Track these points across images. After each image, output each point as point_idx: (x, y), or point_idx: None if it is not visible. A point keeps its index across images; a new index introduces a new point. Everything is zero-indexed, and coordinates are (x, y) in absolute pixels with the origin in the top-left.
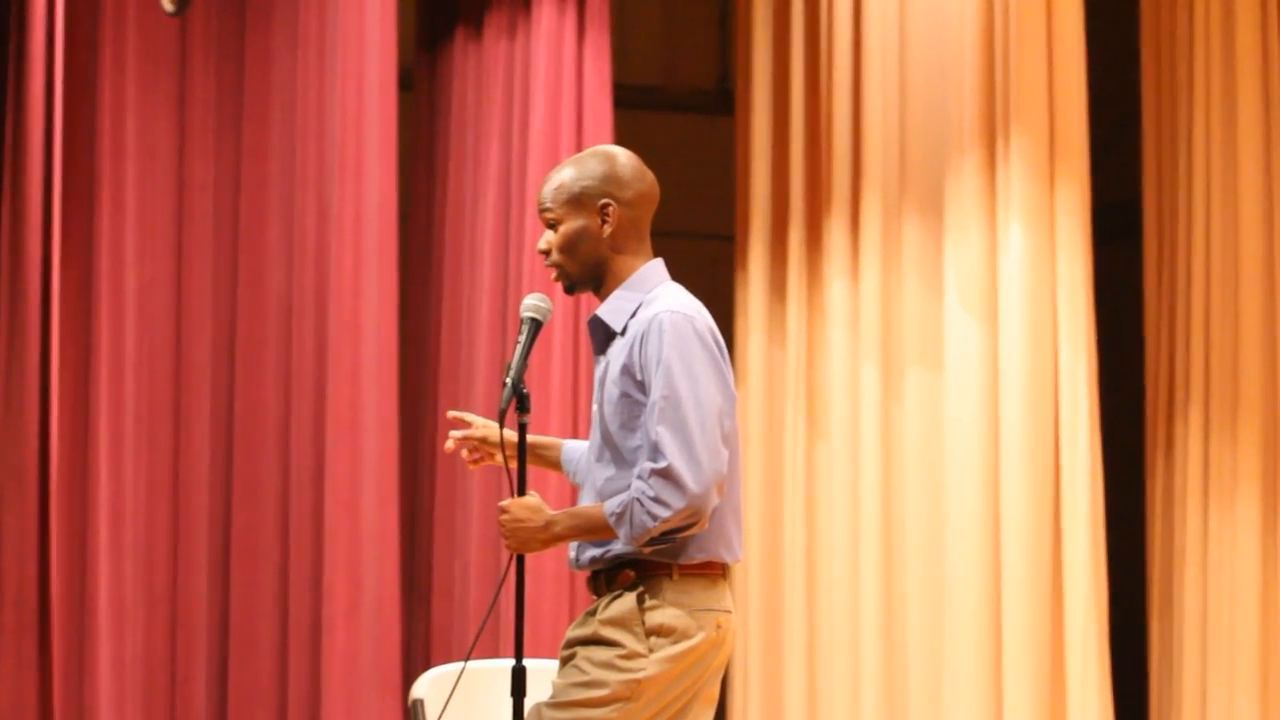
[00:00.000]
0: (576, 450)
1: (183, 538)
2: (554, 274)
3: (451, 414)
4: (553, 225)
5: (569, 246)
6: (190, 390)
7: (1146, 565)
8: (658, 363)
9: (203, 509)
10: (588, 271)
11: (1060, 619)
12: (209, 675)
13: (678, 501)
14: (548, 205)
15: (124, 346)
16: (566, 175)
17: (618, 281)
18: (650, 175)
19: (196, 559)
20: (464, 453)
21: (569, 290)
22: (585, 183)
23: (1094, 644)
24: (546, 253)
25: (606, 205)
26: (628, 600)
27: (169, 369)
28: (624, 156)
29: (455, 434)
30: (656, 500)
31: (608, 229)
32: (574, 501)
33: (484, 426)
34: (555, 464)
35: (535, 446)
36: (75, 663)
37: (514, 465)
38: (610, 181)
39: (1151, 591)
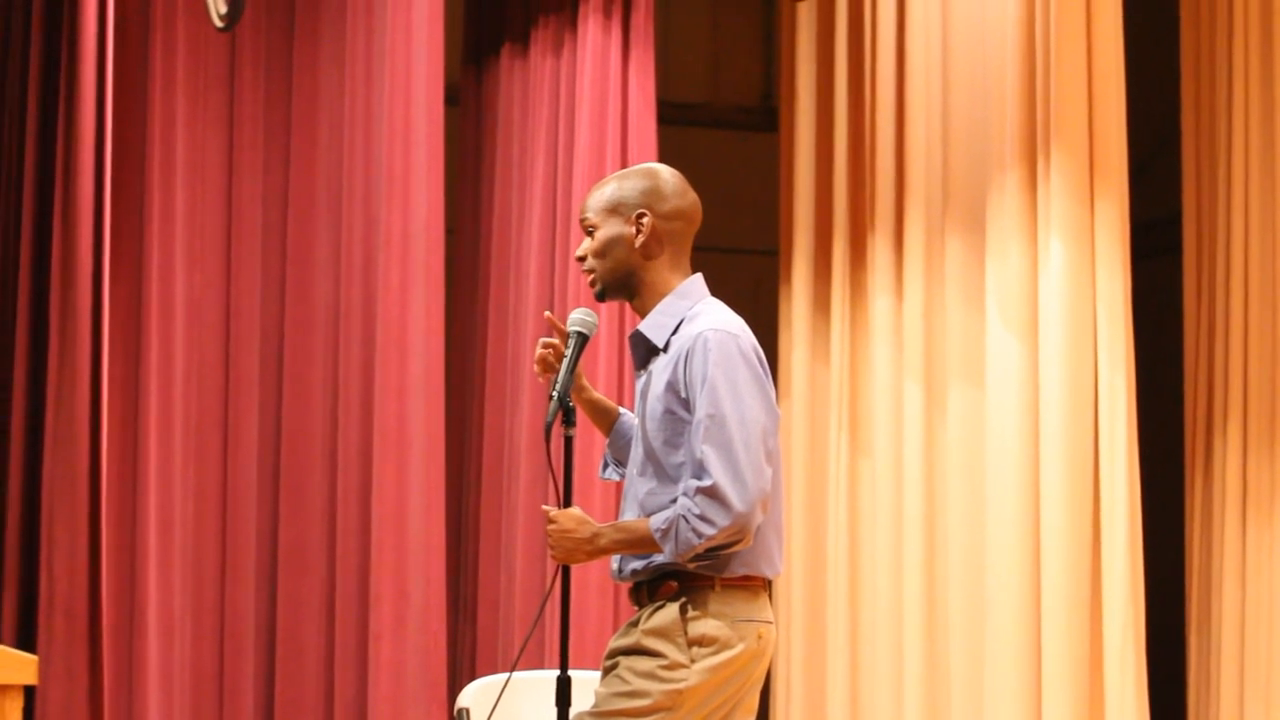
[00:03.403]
0: (628, 425)
1: (231, 549)
2: (588, 279)
3: (547, 314)
4: (590, 232)
5: (602, 251)
6: (239, 403)
7: (1185, 579)
8: (703, 381)
9: (250, 521)
10: (620, 278)
11: (1099, 632)
12: (256, 686)
13: (723, 520)
14: (587, 214)
15: (174, 359)
16: (610, 188)
17: (652, 293)
18: (693, 195)
19: (244, 570)
20: (536, 367)
21: (600, 297)
22: (625, 194)
23: (1132, 657)
24: (583, 258)
25: (642, 215)
26: (670, 611)
27: (218, 382)
28: (668, 173)
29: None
30: (702, 518)
31: (641, 238)
32: (617, 515)
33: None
34: (606, 424)
35: (596, 402)
36: (125, 672)
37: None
38: (650, 194)
39: (1189, 605)
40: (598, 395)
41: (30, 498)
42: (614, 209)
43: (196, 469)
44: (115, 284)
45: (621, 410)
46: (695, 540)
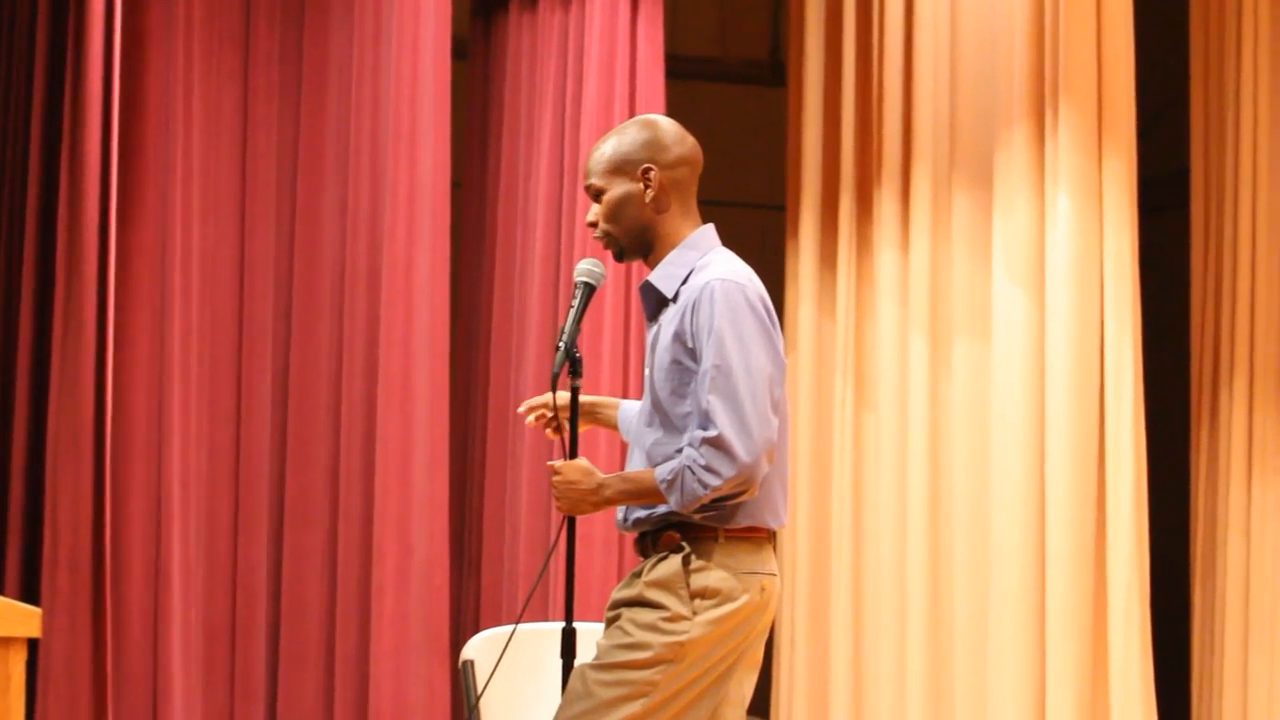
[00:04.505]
0: (632, 410)
1: (243, 502)
2: (604, 244)
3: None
4: (597, 196)
5: (614, 214)
6: (251, 356)
7: (1189, 535)
8: (709, 331)
9: (263, 474)
10: (636, 237)
11: (1103, 588)
12: (268, 639)
13: (728, 470)
14: (592, 178)
15: (187, 311)
16: (608, 147)
17: (666, 246)
18: (692, 140)
19: (257, 523)
20: (546, 431)
21: (619, 258)
22: (626, 151)
23: (1136, 613)
24: (594, 224)
25: (648, 169)
26: (673, 562)
27: (231, 334)
28: (664, 122)
29: (523, 407)
30: (707, 469)
31: (650, 192)
32: (624, 464)
33: (549, 394)
34: (611, 423)
35: (593, 406)
36: (131, 625)
37: (567, 428)
38: (651, 146)
39: (1194, 562)
40: (601, 408)
41: (34, 451)
42: (618, 168)
43: (209, 422)
44: (126, 236)
45: (620, 401)
46: (700, 491)
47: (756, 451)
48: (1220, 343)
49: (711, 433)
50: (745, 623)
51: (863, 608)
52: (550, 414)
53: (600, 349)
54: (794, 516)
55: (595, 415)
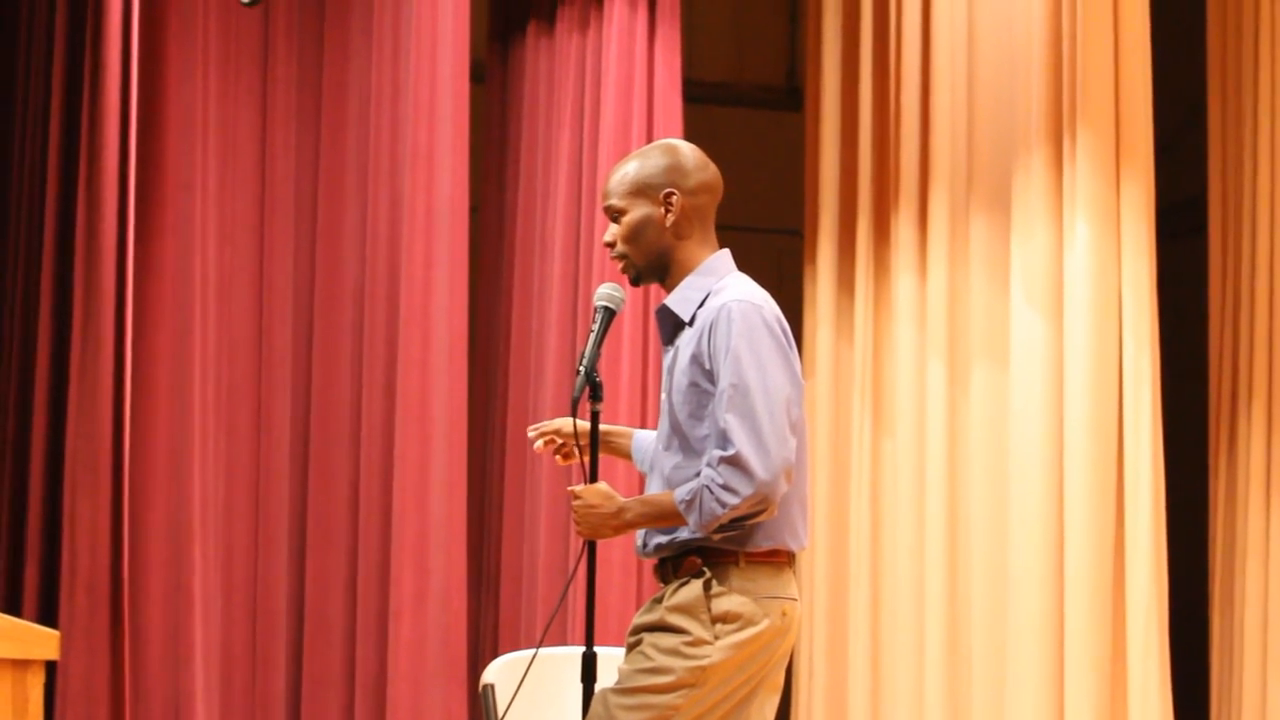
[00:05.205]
0: (646, 439)
1: (262, 525)
2: (620, 265)
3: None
4: (616, 217)
5: (633, 236)
6: (271, 378)
7: (1208, 560)
8: (726, 351)
9: (283, 497)
10: (653, 261)
11: (1122, 612)
12: (288, 662)
13: (746, 489)
14: (612, 199)
15: (206, 334)
16: (630, 168)
17: (683, 270)
18: (713, 166)
19: (276, 545)
20: (556, 457)
21: (635, 281)
22: (648, 174)
23: (1155, 637)
24: (612, 245)
25: (670, 194)
26: (694, 587)
27: (250, 357)
28: (686, 148)
29: (532, 430)
30: (725, 488)
31: (671, 217)
32: (643, 489)
33: (560, 420)
34: (625, 452)
35: (607, 435)
36: (150, 646)
37: (586, 453)
38: (673, 171)
39: (1213, 586)
40: (615, 437)
41: (52, 472)
42: (639, 190)
43: (229, 443)
44: (145, 258)
45: (633, 430)
46: (719, 510)
47: (774, 470)
48: (1239, 368)
49: (729, 451)
50: (766, 647)
51: (881, 632)
52: (560, 440)
53: (618, 375)
54: (813, 541)
55: (609, 444)
